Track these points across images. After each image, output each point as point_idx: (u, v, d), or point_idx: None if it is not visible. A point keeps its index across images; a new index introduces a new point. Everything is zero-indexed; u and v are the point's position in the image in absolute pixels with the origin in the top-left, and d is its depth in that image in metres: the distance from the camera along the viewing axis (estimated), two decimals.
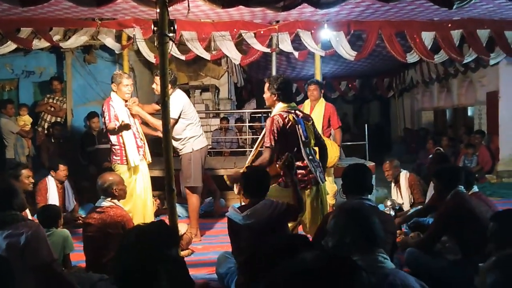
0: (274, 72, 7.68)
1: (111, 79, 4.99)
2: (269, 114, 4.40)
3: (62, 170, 5.86)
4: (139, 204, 4.93)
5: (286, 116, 4.01)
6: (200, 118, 5.64)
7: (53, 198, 5.71)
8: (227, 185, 4.36)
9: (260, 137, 4.43)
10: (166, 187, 3.33)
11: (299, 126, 4.01)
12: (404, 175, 5.79)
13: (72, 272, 3.52)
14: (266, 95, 4.24)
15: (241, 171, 4.06)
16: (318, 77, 7.36)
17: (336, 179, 6.04)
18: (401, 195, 5.76)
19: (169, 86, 4.78)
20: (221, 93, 11.23)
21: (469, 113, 11.62)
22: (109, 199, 3.89)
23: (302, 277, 1.19)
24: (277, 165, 3.99)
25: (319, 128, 5.46)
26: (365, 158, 8.23)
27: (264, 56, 7.65)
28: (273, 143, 3.95)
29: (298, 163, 3.98)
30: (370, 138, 8.91)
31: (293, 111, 4.10)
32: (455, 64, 9.67)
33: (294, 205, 3.60)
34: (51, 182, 5.80)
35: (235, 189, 4.24)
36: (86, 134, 7.80)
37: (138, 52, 7.69)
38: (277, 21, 6.84)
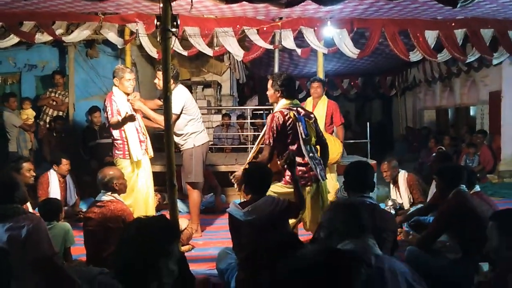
0: (276, 69, 7.67)
1: (113, 73, 4.98)
2: (271, 111, 4.40)
3: (65, 164, 5.86)
4: (140, 199, 4.93)
5: (287, 113, 4.01)
6: (202, 114, 5.64)
7: (55, 192, 5.71)
8: (228, 181, 4.36)
9: (262, 133, 4.43)
10: (167, 182, 3.33)
11: (300, 123, 4.01)
12: (402, 176, 5.77)
13: (73, 266, 3.53)
14: (270, 92, 4.23)
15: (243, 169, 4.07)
16: (321, 74, 7.34)
17: (339, 176, 6.03)
18: (400, 195, 5.74)
19: (172, 81, 4.79)
20: (223, 89, 11.22)
21: (472, 113, 11.60)
22: (109, 193, 3.89)
23: (303, 272, 1.20)
24: (278, 163, 4.00)
25: (321, 125, 5.45)
26: (366, 156, 8.24)
27: (266, 53, 7.64)
28: (271, 141, 3.95)
29: (299, 160, 3.98)
30: (372, 137, 8.90)
31: (294, 108, 4.09)
32: (458, 63, 9.65)
33: (295, 202, 3.60)
34: (53, 176, 5.80)
35: (236, 186, 4.25)
36: (88, 128, 7.81)
37: (140, 47, 7.69)
38: (280, 18, 6.82)
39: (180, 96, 4.96)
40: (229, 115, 10.00)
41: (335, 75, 13.42)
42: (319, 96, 6.37)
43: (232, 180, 4.18)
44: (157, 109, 5.15)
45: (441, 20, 6.83)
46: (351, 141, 10.09)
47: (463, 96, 11.17)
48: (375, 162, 6.88)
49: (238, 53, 7.10)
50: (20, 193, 2.88)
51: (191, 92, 7.76)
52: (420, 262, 3.58)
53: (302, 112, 4.15)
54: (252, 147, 4.79)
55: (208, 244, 4.96)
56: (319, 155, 4.23)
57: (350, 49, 6.98)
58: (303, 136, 4.00)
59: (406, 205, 5.66)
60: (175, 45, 6.24)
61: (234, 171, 4.35)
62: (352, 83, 14.31)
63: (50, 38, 6.92)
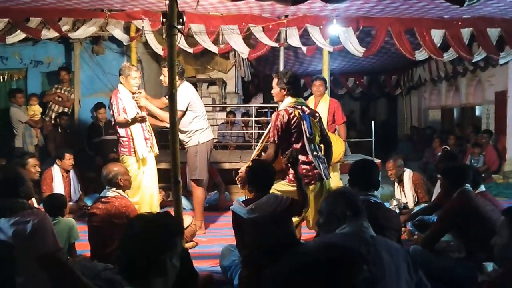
0: (281, 67, 7.67)
1: (119, 71, 4.98)
2: (276, 109, 4.40)
3: (68, 159, 5.88)
4: (146, 196, 4.95)
5: (292, 112, 4.00)
6: (207, 111, 5.64)
7: (58, 187, 5.74)
8: (232, 178, 4.37)
9: (266, 131, 4.43)
10: (172, 179, 3.34)
11: (304, 121, 4.00)
12: (407, 174, 5.75)
13: (77, 261, 3.54)
14: (275, 90, 4.22)
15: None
16: (326, 72, 7.33)
17: (342, 175, 6.03)
18: (405, 194, 5.73)
19: (177, 78, 4.81)
20: (228, 87, 11.22)
21: (477, 113, 11.54)
22: (114, 189, 3.91)
23: (303, 270, 1.20)
24: (282, 161, 4.00)
25: (324, 124, 5.45)
26: (371, 155, 8.21)
27: (272, 51, 7.63)
28: (276, 139, 3.95)
29: (303, 158, 3.98)
30: (377, 136, 8.88)
31: (299, 107, 4.09)
32: (464, 62, 9.60)
33: (298, 200, 3.60)
34: (56, 171, 5.83)
35: (239, 184, 4.25)
36: (93, 125, 7.83)
37: (146, 44, 7.69)
38: (286, 16, 6.82)
39: (186, 93, 4.96)
40: (234, 113, 10.00)
41: (340, 74, 13.38)
42: (321, 95, 6.37)
43: (237, 181, 4.18)
44: (164, 108, 5.16)
45: (447, 19, 6.81)
46: (356, 140, 10.07)
47: (469, 95, 11.11)
48: (379, 161, 6.86)
49: (243, 50, 7.10)
50: (25, 188, 2.89)
51: (196, 90, 7.78)
52: (424, 261, 3.58)
53: (307, 110, 4.15)
54: (257, 145, 4.79)
55: (211, 241, 4.97)
56: (323, 153, 4.23)
57: (355, 48, 6.97)
58: (308, 135, 4.00)
59: (411, 204, 5.64)
60: (181, 42, 6.24)
61: (238, 169, 4.35)
62: (357, 82, 14.27)
63: (56, 34, 6.95)
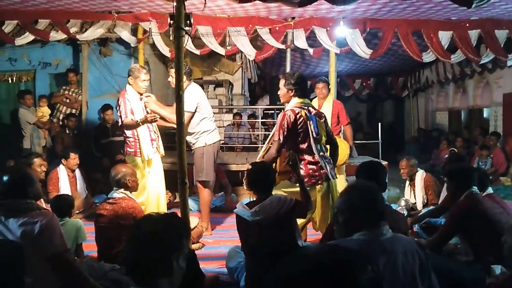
0: (288, 69, 7.67)
1: (129, 72, 4.99)
2: (282, 111, 4.40)
3: (73, 158, 5.92)
4: (152, 197, 4.95)
5: (298, 112, 4.01)
6: (213, 113, 5.65)
7: (65, 187, 5.77)
8: (238, 180, 4.37)
9: (272, 132, 4.43)
10: (179, 181, 3.34)
11: (311, 122, 4.01)
12: (420, 175, 5.74)
13: (84, 262, 3.56)
14: (282, 91, 4.23)
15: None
16: (333, 74, 7.33)
17: (348, 177, 6.01)
18: (415, 194, 5.72)
19: (185, 78, 4.82)
20: (235, 88, 11.24)
21: (485, 115, 11.48)
22: (121, 190, 3.92)
23: (305, 273, 1.19)
24: (284, 163, 3.99)
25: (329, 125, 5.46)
26: (378, 157, 8.19)
27: (278, 53, 7.64)
28: (281, 138, 3.95)
29: (309, 159, 3.98)
30: (384, 138, 8.86)
31: (306, 107, 4.09)
32: (471, 64, 9.56)
33: (302, 201, 3.60)
34: (62, 171, 5.86)
35: (245, 186, 4.25)
36: (100, 126, 7.87)
37: (153, 46, 7.73)
38: (293, 18, 6.83)
39: (194, 93, 4.98)
40: (240, 114, 10.01)
41: (347, 75, 13.37)
42: (325, 97, 6.36)
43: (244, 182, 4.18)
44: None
45: (455, 20, 6.78)
46: (363, 142, 10.05)
47: (477, 97, 11.06)
48: (386, 163, 6.84)
49: (250, 52, 7.11)
50: (34, 189, 2.91)
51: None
52: (432, 264, 3.56)
53: (313, 111, 4.15)
54: (263, 146, 4.79)
55: (218, 242, 4.98)
56: (329, 154, 4.23)
57: (362, 49, 6.96)
58: (314, 135, 4.00)
59: (419, 205, 5.63)
60: (188, 44, 6.26)
61: (245, 170, 4.35)
62: (364, 84, 14.24)
63: (65, 36, 7.00)
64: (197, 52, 7.20)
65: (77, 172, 6.09)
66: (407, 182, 5.94)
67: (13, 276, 2.16)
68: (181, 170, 3.33)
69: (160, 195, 5.05)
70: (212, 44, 6.93)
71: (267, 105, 12.54)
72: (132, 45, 7.53)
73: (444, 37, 6.85)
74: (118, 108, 4.92)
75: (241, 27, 6.82)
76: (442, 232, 3.70)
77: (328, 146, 4.28)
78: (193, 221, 4.62)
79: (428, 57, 7.16)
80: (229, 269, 3.74)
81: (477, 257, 3.43)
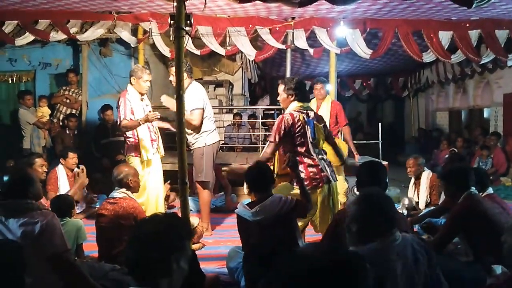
0: (288, 69, 7.67)
1: (131, 72, 4.99)
2: (282, 111, 4.40)
3: (71, 157, 5.91)
4: (152, 197, 4.95)
5: (296, 116, 4.00)
6: (213, 113, 5.66)
7: (64, 186, 5.76)
8: (238, 180, 4.37)
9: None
10: (179, 181, 3.34)
11: (308, 126, 4.01)
12: (426, 175, 5.75)
13: (85, 262, 3.56)
14: (282, 96, 4.21)
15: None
16: (333, 74, 7.33)
17: (348, 177, 6.01)
18: (418, 193, 5.73)
19: (186, 76, 4.83)
20: (235, 88, 11.23)
21: (485, 115, 11.48)
22: (122, 190, 3.92)
23: (303, 275, 1.17)
24: (281, 166, 4.00)
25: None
26: (378, 157, 8.19)
27: (278, 53, 7.64)
28: (277, 139, 3.95)
29: (309, 162, 3.98)
30: (384, 138, 8.86)
31: (305, 112, 4.09)
32: (472, 64, 9.55)
33: (303, 201, 3.61)
34: (61, 171, 5.86)
35: (245, 189, 4.25)
36: (100, 126, 7.87)
37: (153, 46, 7.74)
38: (293, 18, 6.83)
39: (199, 91, 5.00)
40: (241, 115, 10.01)
41: (347, 76, 13.37)
42: (323, 98, 6.37)
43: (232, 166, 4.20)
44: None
45: (455, 20, 6.78)
46: (363, 142, 10.04)
47: (477, 97, 11.06)
48: (387, 163, 6.84)
49: (250, 52, 7.11)
50: (34, 189, 2.91)
51: None
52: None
53: (312, 115, 4.15)
54: (263, 147, 4.79)
55: (218, 242, 4.98)
56: (332, 154, 4.25)
57: (362, 50, 6.96)
58: (311, 140, 4.00)
59: (422, 205, 5.64)
60: (188, 44, 6.26)
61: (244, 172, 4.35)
62: (364, 84, 14.24)
63: (65, 36, 7.01)
64: (197, 52, 7.20)
65: (76, 170, 6.07)
66: (412, 181, 5.94)
67: (14, 276, 2.16)
68: (181, 170, 3.32)
69: (159, 196, 5.05)
70: (212, 44, 6.93)
71: (267, 106, 12.55)
72: (132, 46, 7.54)
73: (445, 37, 6.85)
74: (118, 108, 4.91)
75: (241, 27, 6.82)
76: (442, 233, 3.70)
77: (330, 148, 4.29)
78: (193, 221, 4.62)
79: (428, 57, 7.16)
80: (230, 269, 3.74)
81: (477, 257, 3.42)
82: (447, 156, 6.68)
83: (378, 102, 17.86)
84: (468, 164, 7.25)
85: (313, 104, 6.38)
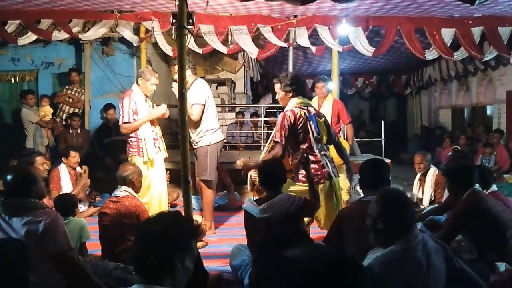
0: (290, 67, 7.66)
1: (140, 73, 5.04)
2: (284, 109, 4.38)
3: (73, 156, 5.94)
4: (155, 196, 4.96)
5: (298, 112, 4.00)
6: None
7: (67, 185, 5.79)
8: (241, 179, 4.36)
9: (273, 133, 4.43)
10: (182, 179, 3.34)
11: (311, 122, 4.00)
12: (432, 172, 5.75)
13: (88, 260, 3.57)
14: (280, 94, 4.20)
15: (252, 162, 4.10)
16: (335, 72, 7.32)
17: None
18: (423, 190, 5.72)
19: (190, 72, 4.85)
20: (237, 87, 11.23)
21: (488, 112, 11.45)
22: (125, 188, 3.93)
23: (298, 279, 1.14)
24: (290, 162, 3.99)
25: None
26: (381, 155, 8.17)
27: (281, 51, 7.63)
28: (283, 139, 3.95)
29: (311, 158, 3.98)
30: (387, 136, 8.84)
31: (305, 108, 4.08)
32: (474, 61, 9.52)
33: (311, 200, 3.61)
34: (63, 170, 5.89)
35: (248, 186, 4.25)
36: (103, 125, 7.89)
37: (155, 45, 7.74)
38: (295, 16, 6.82)
39: (203, 87, 5.03)
40: (243, 113, 10.01)
41: (350, 74, 13.35)
42: (324, 96, 6.38)
43: (240, 165, 4.17)
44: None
45: (458, 17, 6.76)
46: (366, 140, 10.02)
47: (480, 95, 11.02)
48: (389, 161, 6.83)
49: (252, 51, 7.11)
50: (37, 188, 2.91)
51: None
52: None
53: (313, 111, 4.14)
54: (265, 146, 4.79)
55: (221, 241, 4.98)
56: (334, 154, 4.24)
57: (365, 47, 6.94)
58: (315, 135, 3.99)
59: (426, 202, 5.65)
60: (190, 42, 6.26)
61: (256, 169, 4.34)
62: (366, 82, 14.21)
63: (67, 36, 7.02)
64: (200, 50, 7.20)
65: (78, 170, 6.10)
66: (417, 177, 5.94)
67: (18, 275, 2.17)
68: (184, 168, 3.32)
69: (162, 195, 5.05)
70: (215, 42, 6.93)
71: (269, 104, 12.53)
72: (135, 45, 7.54)
73: (447, 34, 6.83)
74: (121, 107, 4.91)
75: (243, 25, 6.82)
76: (446, 230, 3.69)
77: (332, 147, 4.27)
78: (196, 219, 4.63)
79: (431, 54, 7.14)
80: (233, 267, 3.75)
81: (481, 254, 3.42)
82: (450, 154, 6.65)
83: (380, 100, 17.83)
84: (471, 162, 7.23)
85: (314, 102, 6.37)
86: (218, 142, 5.17)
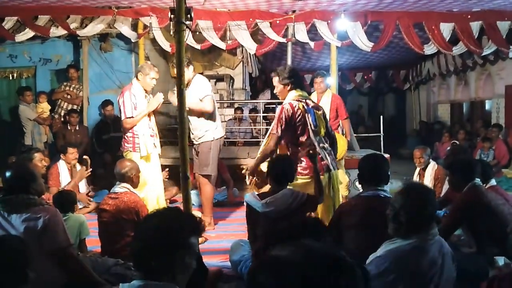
0: (289, 62, 7.66)
1: (139, 68, 5.04)
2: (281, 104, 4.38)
3: (71, 153, 5.94)
4: (152, 193, 4.95)
5: (296, 105, 4.00)
6: None
7: (66, 181, 5.78)
8: (240, 175, 4.36)
9: (271, 126, 4.42)
10: (181, 175, 3.34)
11: (309, 114, 4.00)
12: (432, 166, 5.75)
13: (88, 257, 3.57)
14: (278, 88, 4.20)
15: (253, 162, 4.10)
16: (334, 68, 7.31)
17: (350, 170, 6.00)
18: None
19: (192, 69, 4.84)
20: (236, 83, 11.20)
21: (487, 107, 11.44)
22: (124, 184, 3.92)
23: (289, 282, 1.10)
24: (299, 154, 3.97)
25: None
26: (379, 150, 8.18)
27: (279, 46, 7.62)
28: (279, 131, 3.95)
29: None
30: (385, 131, 8.84)
31: (303, 100, 4.08)
32: (473, 56, 9.51)
33: (313, 196, 3.61)
34: (62, 166, 5.89)
35: (247, 180, 4.25)
36: (102, 122, 7.88)
37: (153, 41, 7.71)
38: (293, 11, 6.80)
39: (205, 82, 5.05)
40: (242, 109, 9.99)
41: (348, 69, 13.34)
42: (323, 91, 6.38)
43: (244, 172, 4.19)
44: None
45: (456, 12, 6.74)
46: (364, 135, 10.03)
47: (478, 89, 11.01)
48: (388, 156, 6.83)
49: (251, 46, 7.09)
50: (36, 184, 2.91)
51: None
52: None
53: (311, 104, 4.14)
54: (263, 141, 4.78)
55: (220, 236, 4.99)
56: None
57: (364, 42, 6.93)
58: (313, 128, 3.99)
59: None
60: (188, 38, 6.23)
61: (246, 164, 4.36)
62: (365, 77, 14.20)
63: (65, 32, 6.99)
64: (198, 46, 7.18)
65: (78, 167, 6.10)
66: (416, 172, 5.93)
67: (17, 271, 2.17)
68: (183, 164, 3.32)
69: (158, 191, 5.05)
70: (213, 38, 6.91)
71: (268, 99, 12.51)
72: (133, 40, 7.51)
73: (446, 29, 6.82)
74: (122, 103, 4.85)
75: (242, 21, 6.80)
76: (445, 224, 3.70)
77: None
78: (196, 215, 4.62)
79: (429, 49, 7.12)
80: (233, 263, 3.75)
81: (481, 248, 3.43)
82: (448, 148, 6.65)
83: (379, 95, 17.83)
84: (469, 156, 7.23)
85: (313, 97, 6.36)
86: (220, 138, 5.18)
